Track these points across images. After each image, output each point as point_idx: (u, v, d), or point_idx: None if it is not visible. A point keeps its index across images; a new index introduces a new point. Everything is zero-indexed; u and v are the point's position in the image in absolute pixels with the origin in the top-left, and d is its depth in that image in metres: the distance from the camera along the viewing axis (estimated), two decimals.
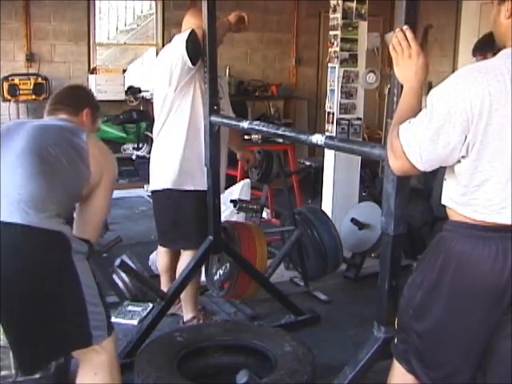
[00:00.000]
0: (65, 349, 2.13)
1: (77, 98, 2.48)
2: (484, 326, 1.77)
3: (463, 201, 1.76)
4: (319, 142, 2.31)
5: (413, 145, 1.71)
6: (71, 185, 2.16)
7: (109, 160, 2.36)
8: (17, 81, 6.37)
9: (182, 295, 3.33)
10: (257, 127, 2.77)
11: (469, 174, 1.71)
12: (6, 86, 6.30)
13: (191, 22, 3.20)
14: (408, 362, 1.93)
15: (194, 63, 3.09)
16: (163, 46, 6.79)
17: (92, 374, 2.14)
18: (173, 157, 3.27)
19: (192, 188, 3.27)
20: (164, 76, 3.19)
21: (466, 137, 1.66)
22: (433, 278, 1.81)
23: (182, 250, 3.42)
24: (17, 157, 2.05)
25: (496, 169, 1.67)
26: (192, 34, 3.07)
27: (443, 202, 1.85)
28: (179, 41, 3.11)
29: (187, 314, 3.44)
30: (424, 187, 5.24)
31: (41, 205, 1.98)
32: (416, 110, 1.79)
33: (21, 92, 6.36)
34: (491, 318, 1.76)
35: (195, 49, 3.07)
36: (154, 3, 7.58)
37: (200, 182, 3.24)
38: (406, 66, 1.85)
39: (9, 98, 6.31)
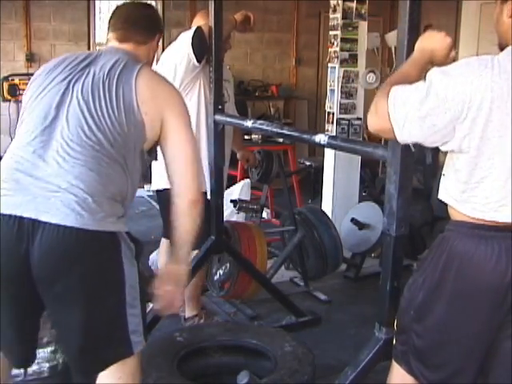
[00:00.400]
0: (106, 356, 1.95)
1: (150, 22, 2.20)
2: (486, 327, 1.77)
3: (463, 198, 1.75)
4: (322, 142, 2.31)
5: (401, 110, 1.67)
6: (127, 156, 1.95)
7: (163, 94, 2.02)
8: (17, 81, 6.37)
9: (185, 292, 3.33)
10: (260, 126, 2.78)
11: (469, 171, 1.71)
12: (5, 86, 6.30)
13: (201, 24, 3.15)
14: (407, 363, 1.92)
15: (199, 60, 3.07)
16: (163, 45, 6.78)
17: (116, 377, 1.97)
18: None
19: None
20: (168, 74, 3.17)
21: (454, 127, 1.64)
22: (435, 277, 1.80)
23: None
24: (66, 143, 1.87)
25: (495, 166, 1.66)
26: (198, 30, 3.05)
27: (440, 196, 1.84)
28: (185, 38, 3.10)
29: (189, 312, 3.43)
30: (424, 187, 5.24)
31: (95, 205, 1.83)
32: (412, 82, 1.74)
33: (21, 92, 6.34)
34: (494, 318, 1.75)
35: (201, 45, 3.05)
36: (154, 3, 7.58)
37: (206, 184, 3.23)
38: (434, 39, 1.82)
39: (9, 98, 6.31)
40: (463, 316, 1.78)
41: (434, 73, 1.67)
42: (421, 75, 1.76)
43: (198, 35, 3.04)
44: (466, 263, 1.74)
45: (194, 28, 3.10)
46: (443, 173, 1.83)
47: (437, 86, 1.64)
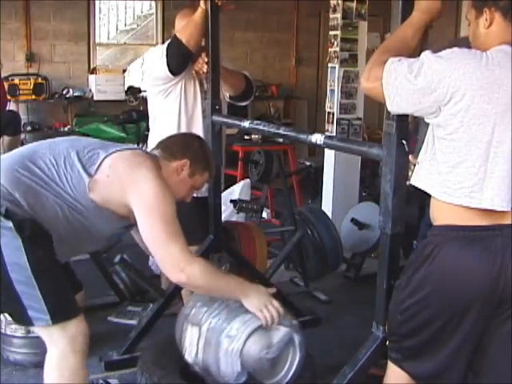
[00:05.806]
0: (15, 318, 2.22)
1: (179, 145, 2.42)
2: (473, 326, 1.79)
3: (435, 182, 1.79)
4: (318, 142, 2.31)
5: (393, 83, 1.76)
6: None
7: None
8: (17, 81, 6.37)
9: (184, 292, 3.33)
10: (257, 127, 2.77)
11: (445, 154, 1.75)
12: (6, 85, 6.29)
13: (181, 26, 3.12)
14: (400, 362, 1.95)
15: (176, 74, 3.07)
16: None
17: (47, 368, 2.09)
18: None
19: None
20: (149, 79, 3.19)
21: (439, 107, 1.71)
22: (418, 282, 1.83)
23: None
24: None
25: (471, 153, 1.71)
26: (172, 45, 3.02)
27: (413, 182, 1.88)
28: (162, 53, 3.05)
29: None
30: None
31: None
32: (408, 44, 1.85)
33: (21, 92, 6.36)
34: (481, 317, 1.78)
35: (179, 63, 3.03)
36: (153, 3, 7.58)
37: None
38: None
39: (9, 98, 6.29)
40: (448, 318, 1.80)
41: (427, 55, 1.75)
42: (417, 36, 1.86)
43: (173, 52, 3.00)
44: (450, 267, 1.76)
45: (166, 43, 3.06)
46: (417, 161, 1.88)
47: (426, 68, 1.71)
